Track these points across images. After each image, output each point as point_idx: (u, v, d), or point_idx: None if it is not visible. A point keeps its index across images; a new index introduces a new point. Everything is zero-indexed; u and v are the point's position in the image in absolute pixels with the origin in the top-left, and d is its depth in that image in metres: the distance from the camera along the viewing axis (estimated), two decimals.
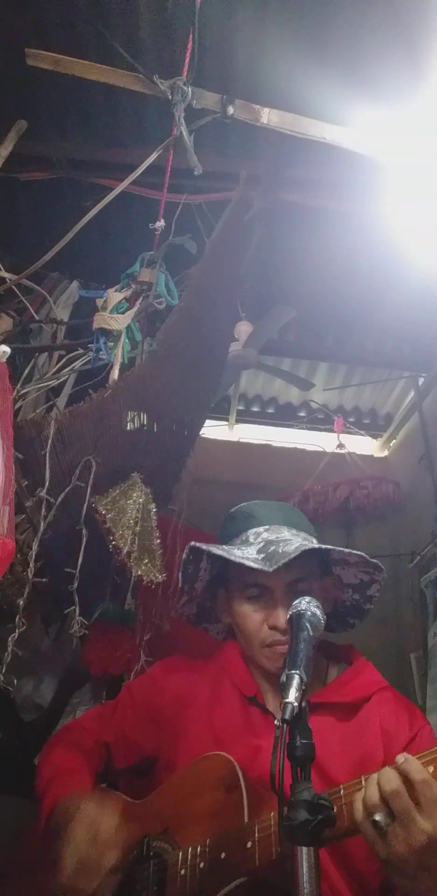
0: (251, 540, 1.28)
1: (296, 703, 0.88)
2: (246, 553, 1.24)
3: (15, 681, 1.38)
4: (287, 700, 0.88)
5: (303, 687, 0.90)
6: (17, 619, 1.42)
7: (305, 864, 0.80)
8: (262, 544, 1.26)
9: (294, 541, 1.24)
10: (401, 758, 0.93)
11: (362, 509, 3.79)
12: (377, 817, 0.90)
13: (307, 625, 1.00)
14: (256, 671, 1.31)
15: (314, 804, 0.83)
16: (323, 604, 1.09)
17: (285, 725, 0.87)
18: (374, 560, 1.28)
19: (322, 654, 1.32)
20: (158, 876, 1.12)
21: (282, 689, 0.90)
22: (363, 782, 0.95)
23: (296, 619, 1.02)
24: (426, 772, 0.91)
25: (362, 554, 1.27)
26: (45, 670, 2.47)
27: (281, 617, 1.20)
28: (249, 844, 1.01)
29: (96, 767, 1.35)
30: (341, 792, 0.96)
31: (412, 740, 1.18)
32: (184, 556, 1.32)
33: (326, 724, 1.18)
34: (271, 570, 1.17)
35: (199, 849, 1.08)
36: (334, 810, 0.86)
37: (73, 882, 1.09)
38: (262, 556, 1.22)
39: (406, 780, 0.91)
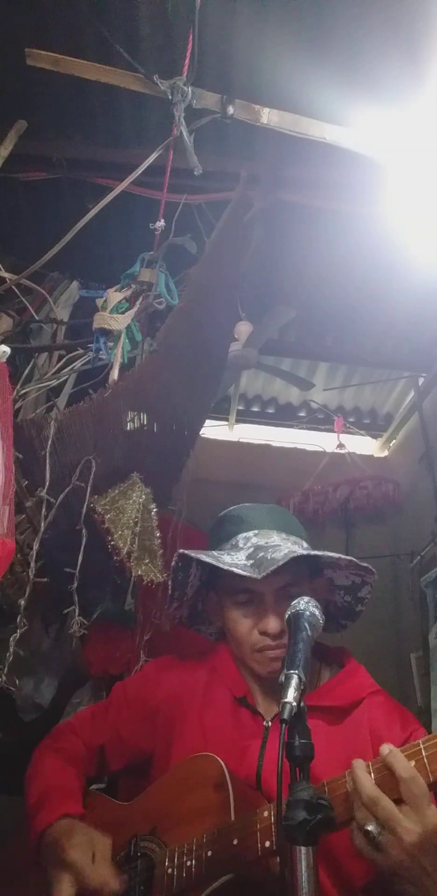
0: (241, 545, 1.28)
1: (294, 703, 0.88)
2: (236, 559, 1.24)
3: (17, 681, 1.38)
4: (286, 700, 0.88)
5: (301, 687, 0.90)
6: (18, 619, 1.42)
7: (303, 864, 0.81)
8: (251, 549, 1.25)
9: (283, 546, 1.24)
10: (386, 748, 0.94)
11: (362, 509, 3.79)
12: (369, 827, 0.90)
13: (306, 625, 1.00)
14: (246, 673, 1.31)
15: (313, 804, 0.83)
16: None
17: (283, 725, 0.87)
18: (364, 563, 1.27)
19: (315, 656, 1.32)
20: (145, 875, 1.12)
21: (281, 689, 0.91)
22: (347, 776, 0.95)
23: (294, 619, 1.02)
24: (412, 768, 0.91)
25: (352, 558, 1.27)
26: (45, 670, 2.47)
27: (271, 622, 1.21)
28: (235, 842, 1.02)
29: (88, 773, 1.34)
30: (325, 788, 0.97)
31: (405, 742, 1.16)
32: (173, 563, 1.31)
33: (316, 727, 1.16)
34: (259, 577, 1.17)
35: (185, 847, 1.08)
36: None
37: None
38: (251, 562, 1.22)
39: (391, 774, 0.91)
